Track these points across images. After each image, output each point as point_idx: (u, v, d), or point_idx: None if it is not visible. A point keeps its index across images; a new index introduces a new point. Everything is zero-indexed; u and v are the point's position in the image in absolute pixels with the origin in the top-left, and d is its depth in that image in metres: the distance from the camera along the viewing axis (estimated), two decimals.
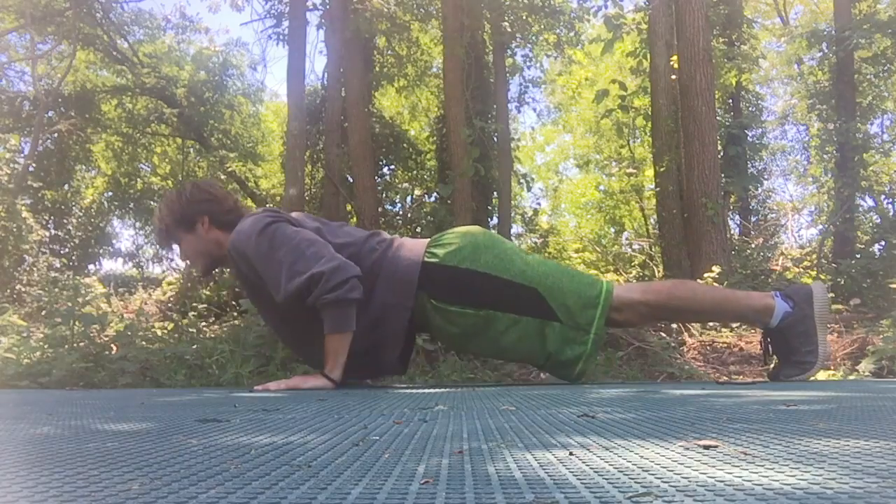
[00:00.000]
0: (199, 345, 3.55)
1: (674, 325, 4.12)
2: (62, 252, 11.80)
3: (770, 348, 2.36)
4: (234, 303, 6.77)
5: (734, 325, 4.23)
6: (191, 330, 4.43)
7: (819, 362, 2.23)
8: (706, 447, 0.76)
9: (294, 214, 2.40)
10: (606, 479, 0.60)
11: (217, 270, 2.61)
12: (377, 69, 9.70)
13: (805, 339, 2.23)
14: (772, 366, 2.44)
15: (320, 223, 2.39)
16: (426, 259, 2.27)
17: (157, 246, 3.17)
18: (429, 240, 2.39)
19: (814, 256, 6.84)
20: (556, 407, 1.33)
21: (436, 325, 2.32)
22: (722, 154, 7.34)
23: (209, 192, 2.45)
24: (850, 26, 7.54)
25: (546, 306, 2.23)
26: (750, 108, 10.44)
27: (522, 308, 2.24)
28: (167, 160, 13.23)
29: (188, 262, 2.64)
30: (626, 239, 14.48)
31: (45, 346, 3.50)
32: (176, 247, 2.52)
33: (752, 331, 4.14)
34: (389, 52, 10.19)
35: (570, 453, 0.75)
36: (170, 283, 11.28)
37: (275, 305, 2.29)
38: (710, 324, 4.25)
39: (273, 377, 3.01)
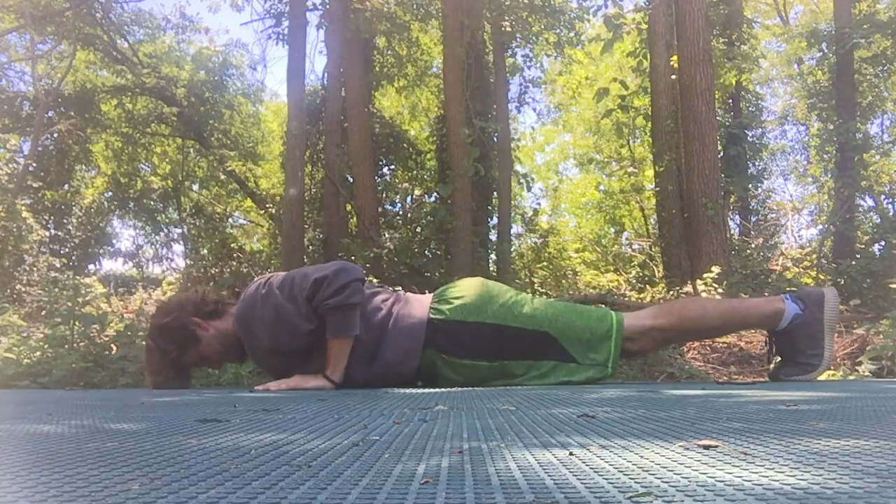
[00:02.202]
0: None
1: None
2: (62, 252, 11.79)
3: (774, 348, 2.36)
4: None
5: None
6: None
7: (823, 366, 2.23)
8: (706, 447, 0.76)
9: None
10: (606, 479, 0.60)
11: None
12: (377, 69, 9.70)
13: (812, 341, 2.23)
14: (772, 366, 2.44)
15: None
16: (432, 316, 2.26)
17: (178, 387, 2.93)
18: (432, 295, 2.37)
19: (814, 256, 6.84)
20: (556, 407, 1.33)
21: (448, 378, 2.31)
22: (722, 154, 7.35)
23: (172, 306, 2.42)
24: (850, 26, 7.55)
25: (559, 347, 2.23)
26: (750, 108, 10.43)
27: (536, 353, 2.24)
28: (167, 160, 13.24)
29: (222, 364, 2.59)
30: (626, 239, 14.48)
31: (45, 346, 3.50)
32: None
33: (753, 330, 4.14)
34: (389, 52, 10.19)
35: (570, 453, 0.75)
36: (170, 283, 11.27)
37: (294, 364, 2.28)
38: None
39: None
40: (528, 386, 2.18)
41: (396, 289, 2.50)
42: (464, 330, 2.23)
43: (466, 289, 2.35)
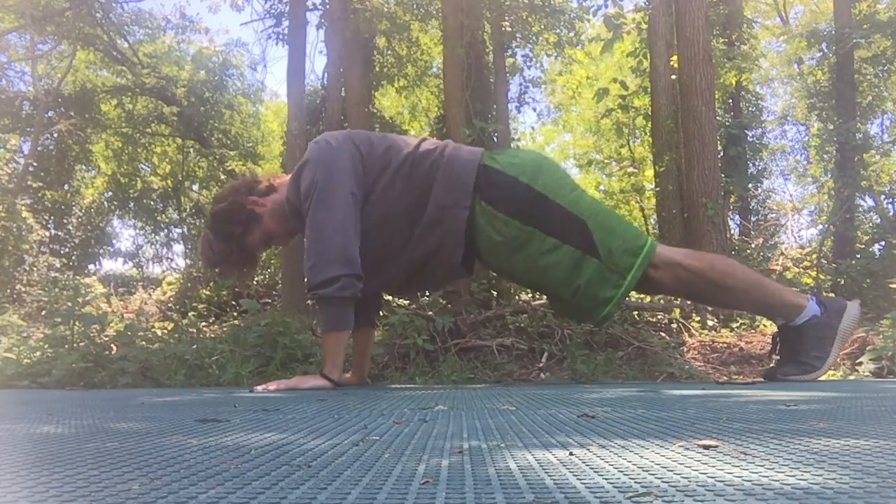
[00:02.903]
0: (199, 345, 3.55)
1: (674, 326, 4.12)
2: (62, 252, 11.80)
3: (778, 346, 2.36)
4: (234, 303, 6.78)
5: (734, 324, 4.23)
6: (191, 330, 4.43)
7: (823, 369, 2.23)
8: (706, 447, 0.76)
9: (360, 136, 2.33)
10: (606, 479, 0.60)
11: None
12: (377, 69, 9.69)
13: (819, 344, 2.23)
14: (770, 365, 2.44)
15: (382, 139, 2.34)
16: (487, 163, 2.25)
17: (245, 274, 2.92)
18: (483, 149, 2.37)
19: (814, 256, 6.84)
20: (556, 407, 1.33)
21: (479, 227, 2.26)
22: (722, 154, 7.34)
23: (226, 192, 2.41)
24: (850, 26, 7.55)
25: (591, 241, 2.18)
26: (750, 108, 10.42)
27: (567, 236, 2.19)
28: (167, 160, 13.24)
29: (290, 239, 2.56)
30: None
31: (45, 346, 3.50)
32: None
33: (753, 330, 4.14)
34: (389, 52, 10.18)
35: (570, 453, 0.75)
36: (170, 283, 11.27)
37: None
38: (711, 323, 4.24)
39: (273, 377, 3.01)
40: (528, 387, 2.18)
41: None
42: (511, 186, 2.21)
43: (526, 154, 2.38)
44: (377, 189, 2.24)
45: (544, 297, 3.07)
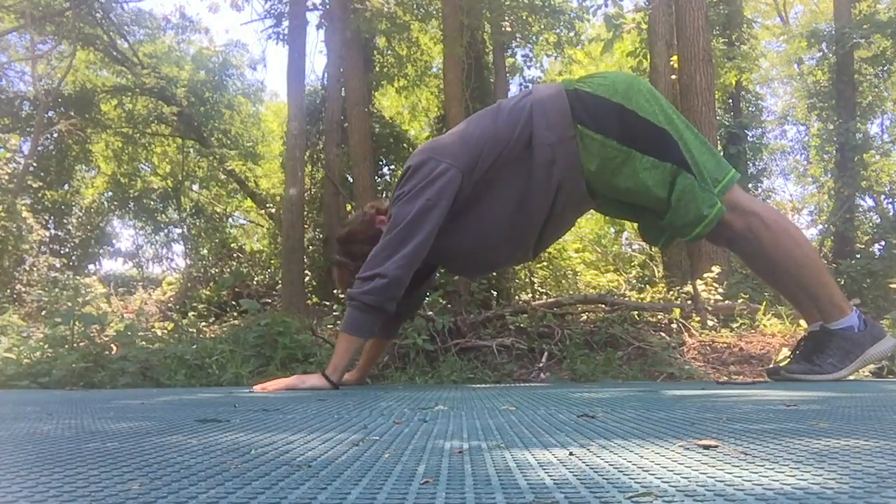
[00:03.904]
0: (199, 345, 3.55)
1: (674, 326, 4.12)
2: (62, 252, 11.80)
3: (798, 350, 2.35)
4: (234, 303, 6.78)
5: (734, 324, 4.23)
6: (191, 330, 4.43)
7: (830, 376, 2.22)
8: (706, 447, 0.76)
9: (451, 142, 2.26)
10: (606, 479, 0.60)
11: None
12: (377, 69, 9.70)
13: (841, 355, 2.22)
14: (772, 364, 2.44)
15: (471, 130, 2.27)
16: (578, 87, 2.21)
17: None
18: (565, 79, 2.34)
19: None
20: (556, 407, 1.33)
21: (580, 152, 2.21)
22: (722, 154, 7.34)
23: (351, 217, 2.40)
24: (850, 26, 7.56)
25: (685, 159, 2.15)
26: (750, 108, 10.43)
27: (663, 153, 2.15)
28: (167, 160, 13.24)
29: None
30: (626, 239, 14.47)
31: (45, 346, 3.50)
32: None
33: (752, 331, 4.14)
34: (389, 52, 10.18)
35: (570, 453, 0.75)
36: (170, 283, 11.28)
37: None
38: (711, 323, 4.24)
39: (273, 377, 3.00)
40: (528, 387, 2.18)
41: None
42: (605, 106, 2.16)
43: (616, 75, 2.34)
44: (485, 173, 2.19)
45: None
